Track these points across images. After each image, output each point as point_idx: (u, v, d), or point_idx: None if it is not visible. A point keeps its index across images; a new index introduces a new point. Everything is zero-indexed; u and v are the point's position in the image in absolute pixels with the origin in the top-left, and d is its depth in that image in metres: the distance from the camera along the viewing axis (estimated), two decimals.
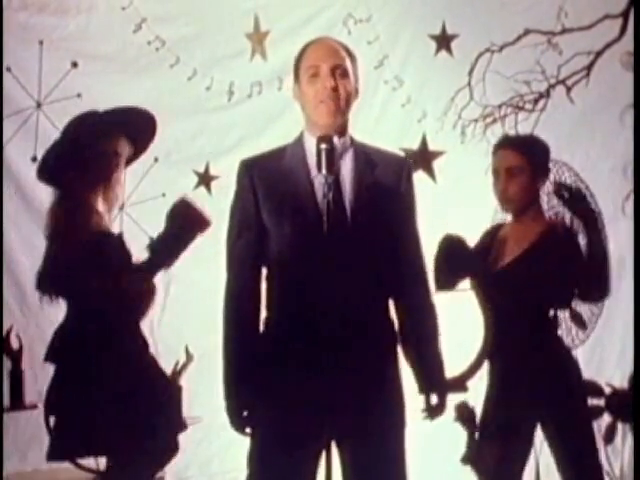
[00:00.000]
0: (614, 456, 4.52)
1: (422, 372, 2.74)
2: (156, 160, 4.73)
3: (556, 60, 4.71)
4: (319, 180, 2.56)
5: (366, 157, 2.69)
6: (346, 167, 2.63)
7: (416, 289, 2.74)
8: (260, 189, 2.67)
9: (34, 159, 4.64)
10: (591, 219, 3.35)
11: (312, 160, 2.61)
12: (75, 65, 4.63)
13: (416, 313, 2.72)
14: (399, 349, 2.74)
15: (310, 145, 2.64)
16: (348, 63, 2.66)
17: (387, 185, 2.67)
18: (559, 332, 3.49)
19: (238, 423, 2.71)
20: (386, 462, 2.65)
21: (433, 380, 2.75)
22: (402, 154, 2.88)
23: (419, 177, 4.90)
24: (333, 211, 2.48)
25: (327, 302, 2.50)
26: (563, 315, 3.59)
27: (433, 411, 2.77)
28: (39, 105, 4.63)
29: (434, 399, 2.76)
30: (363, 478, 2.67)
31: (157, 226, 4.74)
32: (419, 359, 2.73)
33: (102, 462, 4.19)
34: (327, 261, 2.50)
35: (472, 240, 4.64)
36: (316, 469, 2.66)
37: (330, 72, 2.61)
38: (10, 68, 4.53)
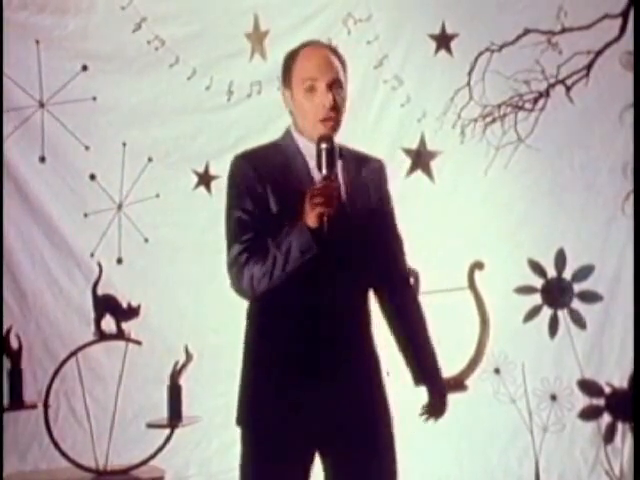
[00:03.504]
0: (614, 455, 4.53)
1: (415, 361, 2.72)
2: (150, 160, 4.76)
3: (556, 60, 4.70)
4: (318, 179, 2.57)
5: (352, 159, 2.69)
6: (338, 168, 2.57)
7: (404, 287, 2.77)
8: (268, 182, 2.58)
9: (42, 159, 4.66)
10: None
11: (309, 158, 2.58)
12: (85, 68, 4.64)
13: (405, 310, 2.74)
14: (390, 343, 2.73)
15: (303, 144, 2.62)
16: (342, 73, 2.63)
17: (373, 186, 2.69)
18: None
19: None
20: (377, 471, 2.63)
21: (427, 368, 2.73)
22: (377, 156, 2.85)
23: (417, 177, 4.92)
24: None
25: (323, 302, 2.51)
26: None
27: (433, 410, 2.73)
28: (42, 105, 4.63)
29: (432, 399, 2.73)
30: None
31: (153, 226, 4.80)
32: (412, 348, 2.72)
33: (102, 462, 4.20)
34: (327, 260, 2.49)
35: (472, 241, 4.68)
36: (309, 472, 2.63)
37: (327, 88, 2.58)
38: (9, 67, 4.54)
